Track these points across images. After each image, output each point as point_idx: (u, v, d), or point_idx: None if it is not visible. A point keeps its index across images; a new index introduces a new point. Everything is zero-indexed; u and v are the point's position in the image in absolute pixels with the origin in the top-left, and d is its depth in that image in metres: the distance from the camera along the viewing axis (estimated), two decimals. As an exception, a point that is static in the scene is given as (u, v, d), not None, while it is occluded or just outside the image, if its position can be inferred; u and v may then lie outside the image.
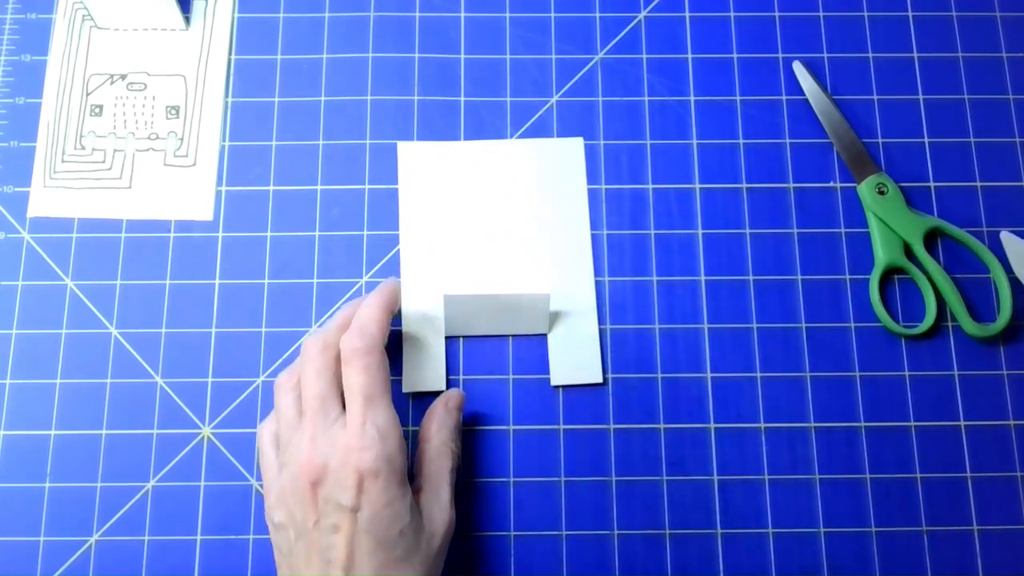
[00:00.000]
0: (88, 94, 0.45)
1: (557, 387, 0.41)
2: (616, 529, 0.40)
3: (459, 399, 0.39)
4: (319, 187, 0.44)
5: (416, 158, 0.44)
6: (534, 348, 0.42)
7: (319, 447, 0.33)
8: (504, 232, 0.43)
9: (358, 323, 0.36)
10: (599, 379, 0.41)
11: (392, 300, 0.38)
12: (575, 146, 0.44)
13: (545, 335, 0.42)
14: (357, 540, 0.32)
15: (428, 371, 0.41)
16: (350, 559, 0.32)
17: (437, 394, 0.40)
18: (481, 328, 0.41)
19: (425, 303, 0.42)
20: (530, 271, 0.42)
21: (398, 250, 0.43)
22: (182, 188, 0.44)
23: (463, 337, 0.42)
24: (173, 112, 0.45)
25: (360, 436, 0.33)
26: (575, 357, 0.41)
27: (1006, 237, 0.42)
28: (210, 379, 0.41)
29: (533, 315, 0.41)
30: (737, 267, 0.43)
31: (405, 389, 0.41)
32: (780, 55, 0.46)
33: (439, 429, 0.38)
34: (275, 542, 0.35)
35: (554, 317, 0.42)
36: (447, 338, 0.42)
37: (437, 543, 0.35)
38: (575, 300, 0.42)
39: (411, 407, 0.41)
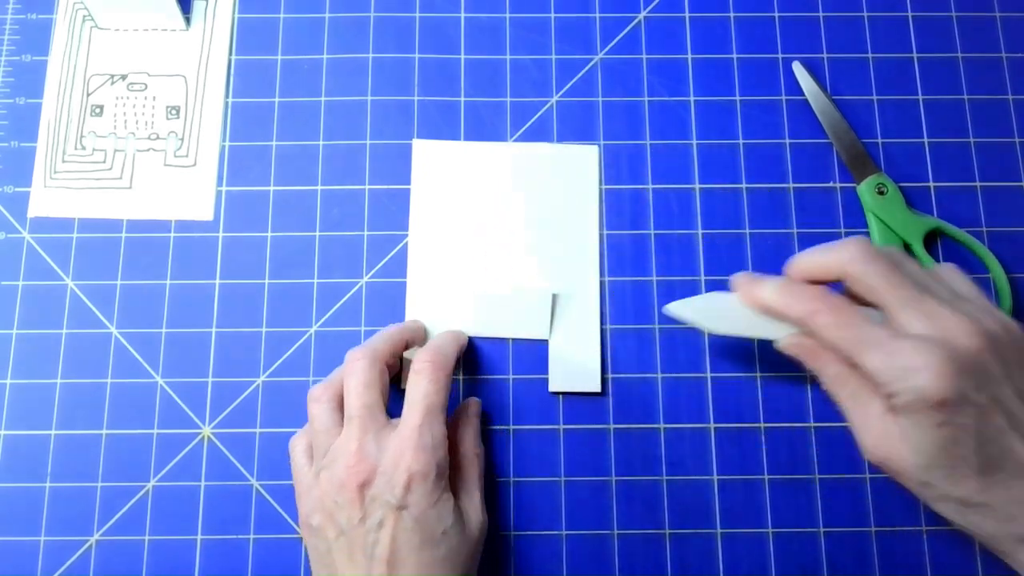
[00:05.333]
0: (89, 94, 0.45)
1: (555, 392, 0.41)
2: (616, 529, 0.40)
3: (477, 406, 0.40)
4: (319, 187, 0.44)
5: (431, 156, 0.44)
6: (534, 349, 0.42)
7: (367, 450, 0.35)
8: (512, 236, 0.43)
9: (435, 343, 0.38)
10: (597, 388, 0.41)
11: (462, 342, 0.40)
12: (590, 154, 0.44)
13: (546, 340, 0.42)
14: (403, 537, 0.33)
15: None
16: (394, 555, 0.33)
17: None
18: (484, 329, 0.42)
19: (429, 301, 0.42)
20: (535, 276, 0.42)
21: (398, 250, 0.43)
22: (182, 188, 0.44)
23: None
24: (173, 112, 0.45)
25: (416, 438, 0.34)
26: (575, 364, 0.41)
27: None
28: (210, 379, 0.41)
29: (535, 315, 0.41)
30: (737, 267, 0.43)
31: (404, 385, 0.40)
32: (780, 55, 0.46)
33: (463, 438, 0.38)
34: (311, 546, 0.36)
35: (556, 323, 0.42)
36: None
37: (473, 545, 0.36)
38: (579, 307, 0.42)
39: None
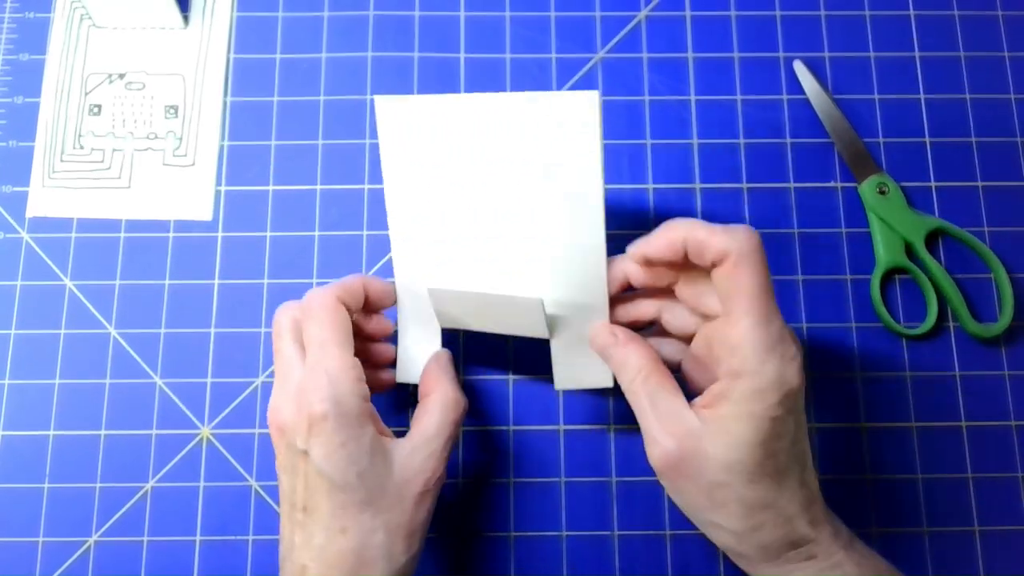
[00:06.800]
0: (87, 93, 0.45)
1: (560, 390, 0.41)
2: (616, 529, 0.40)
3: (449, 355, 0.39)
4: (318, 187, 0.44)
5: (398, 117, 0.36)
6: (535, 348, 0.41)
7: (280, 398, 0.34)
8: (503, 213, 0.36)
9: (316, 288, 0.36)
10: (610, 383, 0.37)
11: (355, 287, 0.37)
12: (588, 102, 0.34)
13: (546, 340, 0.38)
14: (313, 483, 0.33)
15: (422, 362, 0.38)
16: (309, 500, 0.33)
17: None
18: (476, 325, 0.38)
19: (417, 290, 0.38)
20: (532, 267, 0.37)
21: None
22: (181, 188, 0.44)
23: (463, 336, 0.42)
24: (172, 112, 0.45)
25: (312, 379, 0.33)
26: (582, 360, 0.38)
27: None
28: (209, 379, 0.41)
29: (528, 320, 0.37)
30: (738, 267, 0.42)
31: (399, 379, 0.39)
32: (781, 54, 0.46)
33: (438, 380, 0.37)
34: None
35: (560, 319, 0.38)
36: (446, 332, 0.40)
37: (414, 491, 0.33)
38: (584, 299, 0.37)
39: (408, 399, 0.41)
